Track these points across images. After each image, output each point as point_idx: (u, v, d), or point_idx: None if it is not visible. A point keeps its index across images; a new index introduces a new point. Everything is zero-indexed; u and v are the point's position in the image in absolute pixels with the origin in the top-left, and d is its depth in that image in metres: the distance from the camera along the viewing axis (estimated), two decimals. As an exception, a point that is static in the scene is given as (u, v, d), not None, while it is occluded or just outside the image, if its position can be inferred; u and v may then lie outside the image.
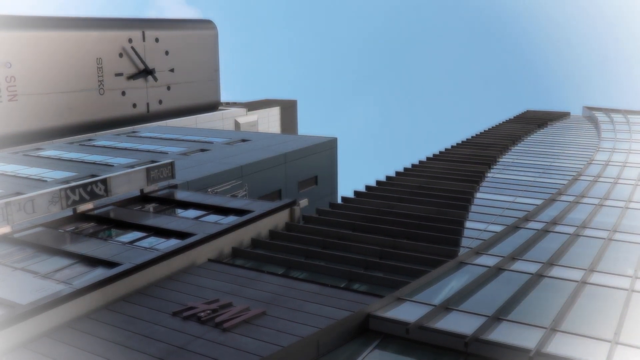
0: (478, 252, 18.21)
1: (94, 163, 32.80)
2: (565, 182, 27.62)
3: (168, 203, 23.85)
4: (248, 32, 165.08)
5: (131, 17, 51.11)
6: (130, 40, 46.86)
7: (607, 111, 53.46)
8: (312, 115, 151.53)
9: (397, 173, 30.35)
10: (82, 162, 33.31)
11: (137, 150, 36.62)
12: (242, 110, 61.60)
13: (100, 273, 15.83)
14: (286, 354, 12.17)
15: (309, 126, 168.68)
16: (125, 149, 37.11)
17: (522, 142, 40.00)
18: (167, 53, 51.57)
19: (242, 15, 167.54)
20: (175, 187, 25.80)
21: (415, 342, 13.01)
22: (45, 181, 28.33)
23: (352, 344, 13.14)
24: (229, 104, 67.14)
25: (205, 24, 58.11)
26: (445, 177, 29.07)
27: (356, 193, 26.60)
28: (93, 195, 21.51)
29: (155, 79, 45.06)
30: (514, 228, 20.81)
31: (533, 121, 49.57)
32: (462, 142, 39.84)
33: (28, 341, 12.87)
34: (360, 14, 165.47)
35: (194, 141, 39.63)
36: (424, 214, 22.86)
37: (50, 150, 37.22)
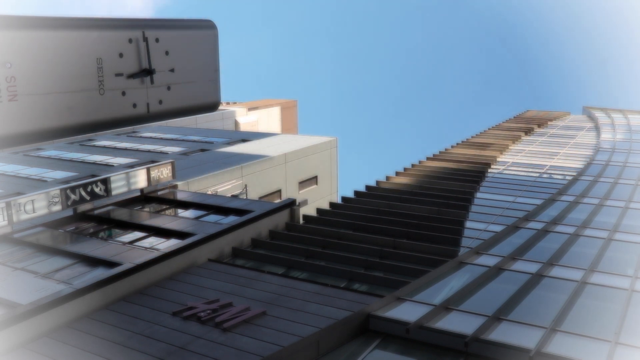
0: (478, 252, 18.21)
1: (94, 163, 32.80)
2: (565, 182, 27.62)
3: (168, 203, 23.86)
4: (248, 32, 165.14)
5: (131, 17, 51.24)
6: (130, 40, 46.90)
7: (607, 111, 53.45)
8: (312, 116, 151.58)
9: (397, 173, 30.35)
10: (82, 162, 33.31)
11: (137, 150, 36.62)
12: (242, 110, 61.60)
13: (100, 273, 15.83)
14: (286, 354, 12.17)
15: (309, 126, 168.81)
16: (125, 149, 37.11)
17: (522, 142, 40.01)
18: (167, 53, 51.54)
19: (242, 15, 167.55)
20: (175, 187, 25.81)
21: (415, 342, 13.01)
22: (46, 181, 28.34)
23: (352, 344, 13.14)
24: (229, 104, 67.17)
25: (205, 24, 58.14)
26: (445, 177, 29.07)
27: (356, 193, 26.59)
28: (93, 195, 21.51)
29: (152, 80, 45.04)
30: (514, 228, 20.81)
31: (533, 121, 49.56)
32: (462, 142, 39.83)
33: (28, 341, 12.87)
34: (359, 12, 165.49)
35: (194, 141, 39.64)
36: (424, 214, 22.86)
37: (51, 150, 37.21)
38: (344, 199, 26.03)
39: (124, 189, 22.89)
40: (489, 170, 30.93)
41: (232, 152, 35.33)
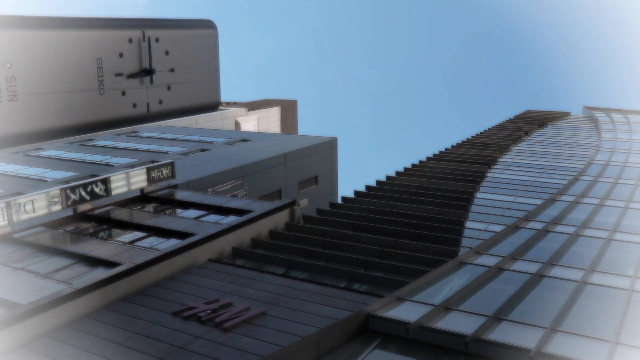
0: (478, 252, 18.22)
1: (94, 163, 32.80)
2: (565, 182, 27.62)
3: (168, 203, 23.86)
4: (248, 32, 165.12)
5: (131, 17, 51.14)
6: (130, 40, 46.97)
7: (607, 111, 53.44)
8: (312, 116, 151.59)
9: (397, 173, 30.35)
10: (82, 162, 33.31)
11: (137, 150, 36.62)
12: (242, 110, 61.60)
13: (100, 273, 15.83)
14: (286, 354, 12.17)
15: (309, 126, 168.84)
16: (125, 149, 37.11)
17: (522, 142, 40.01)
18: (167, 53, 51.49)
19: (242, 15, 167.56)
20: (175, 187, 25.81)
21: (415, 342, 13.01)
22: (46, 181, 28.34)
23: (352, 344, 13.14)
24: (229, 104, 67.16)
25: (205, 24, 58.10)
26: (445, 177, 29.07)
27: (356, 193, 26.60)
28: (93, 195, 21.51)
29: (152, 80, 45.11)
30: (514, 228, 20.81)
31: (533, 121, 49.56)
32: (462, 142, 39.84)
33: (28, 341, 12.88)
34: (358, 12, 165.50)
35: (194, 141, 39.64)
36: (424, 214, 22.86)
37: (51, 150, 37.22)
38: (344, 199, 26.03)
39: (124, 189, 22.89)
40: (489, 170, 30.93)
41: (232, 152, 35.33)
